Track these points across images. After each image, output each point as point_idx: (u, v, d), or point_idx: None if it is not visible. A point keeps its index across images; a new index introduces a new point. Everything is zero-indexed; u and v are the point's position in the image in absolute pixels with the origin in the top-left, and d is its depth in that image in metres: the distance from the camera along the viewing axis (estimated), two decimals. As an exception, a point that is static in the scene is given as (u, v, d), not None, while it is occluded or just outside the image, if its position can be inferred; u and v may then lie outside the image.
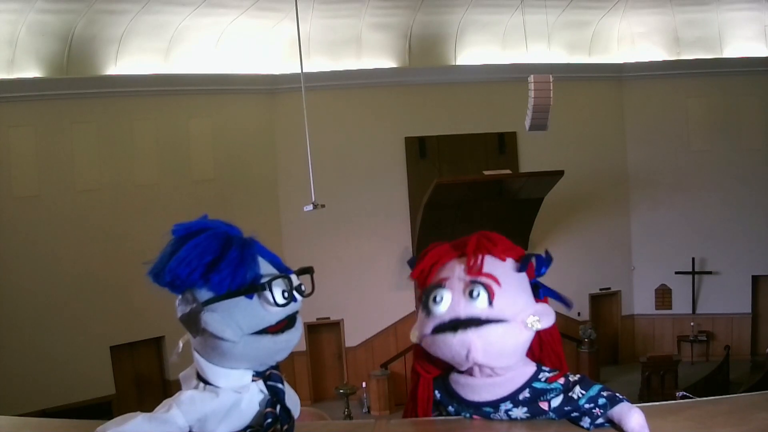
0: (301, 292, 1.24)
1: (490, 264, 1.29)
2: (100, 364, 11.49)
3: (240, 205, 12.15)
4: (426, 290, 1.31)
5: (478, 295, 1.24)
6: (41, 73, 11.19)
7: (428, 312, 1.28)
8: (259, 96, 13.16)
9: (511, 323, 1.26)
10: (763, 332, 14.32)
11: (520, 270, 1.33)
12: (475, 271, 1.27)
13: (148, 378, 12.14)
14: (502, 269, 1.29)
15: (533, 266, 1.35)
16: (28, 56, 11.01)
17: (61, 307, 11.13)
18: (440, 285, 1.29)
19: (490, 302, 1.24)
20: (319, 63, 13.04)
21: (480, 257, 1.28)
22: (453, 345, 1.25)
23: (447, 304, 1.26)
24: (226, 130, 12.82)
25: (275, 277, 1.21)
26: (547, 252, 1.39)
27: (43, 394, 10.49)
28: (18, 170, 11.13)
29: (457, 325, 1.24)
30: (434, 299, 1.27)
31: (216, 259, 1.18)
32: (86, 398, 10.96)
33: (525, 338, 1.29)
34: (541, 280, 1.39)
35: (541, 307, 1.32)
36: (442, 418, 1.39)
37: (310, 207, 9.54)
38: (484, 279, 1.25)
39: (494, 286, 1.25)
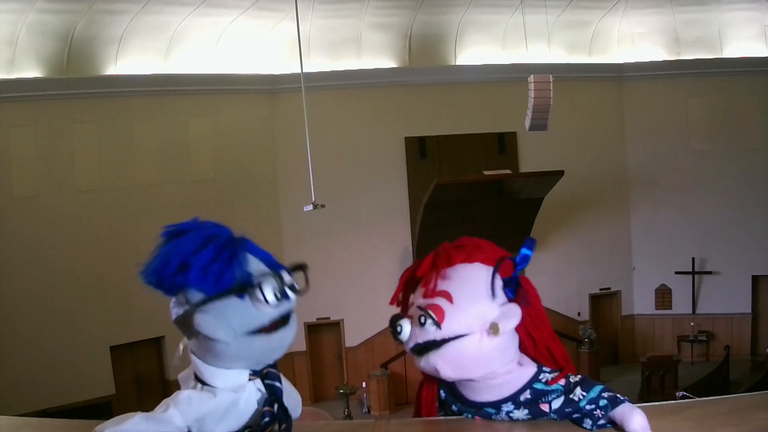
0: (294, 290, 1.22)
1: (447, 279, 1.30)
2: (100, 364, 11.50)
3: (240, 205, 12.16)
4: (390, 322, 1.33)
5: (425, 321, 1.26)
6: (41, 73, 11.19)
7: (398, 342, 1.32)
8: (259, 96, 13.16)
9: (469, 336, 1.26)
10: (763, 332, 14.32)
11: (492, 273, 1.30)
12: (429, 293, 1.29)
13: (148, 378, 12.14)
14: (459, 281, 1.29)
15: (510, 265, 1.32)
16: (28, 56, 11.01)
17: (61, 307, 11.13)
18: (399, 316, 1.33)
19: (438, 325, 1.25)
20: (319, 63, 13.03)
21: (434, 278, 1.30)
22: (424, 368, 1.30)
23: (407, 333, 1.30)
24: (226, 130, 12.82)
25: (265, 275, 1.18)
26: (528, 239, 1.35)
27: (43, 394, 10.50)
28: (18, 170, 11.13)
29: (420, 350, 1.28)
30: (397, 330, 1.31)
31: (200, 257, 1.16)
32: (86, 398, 10.97)
33: (490, 346, 1.27)
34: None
35: (504, 309, 1.28)
36: (443, 418, 1.39)
37: (310, 207, 9.55)
38: (433, 300, 1.27)
39: (444, 304, 1.26)
